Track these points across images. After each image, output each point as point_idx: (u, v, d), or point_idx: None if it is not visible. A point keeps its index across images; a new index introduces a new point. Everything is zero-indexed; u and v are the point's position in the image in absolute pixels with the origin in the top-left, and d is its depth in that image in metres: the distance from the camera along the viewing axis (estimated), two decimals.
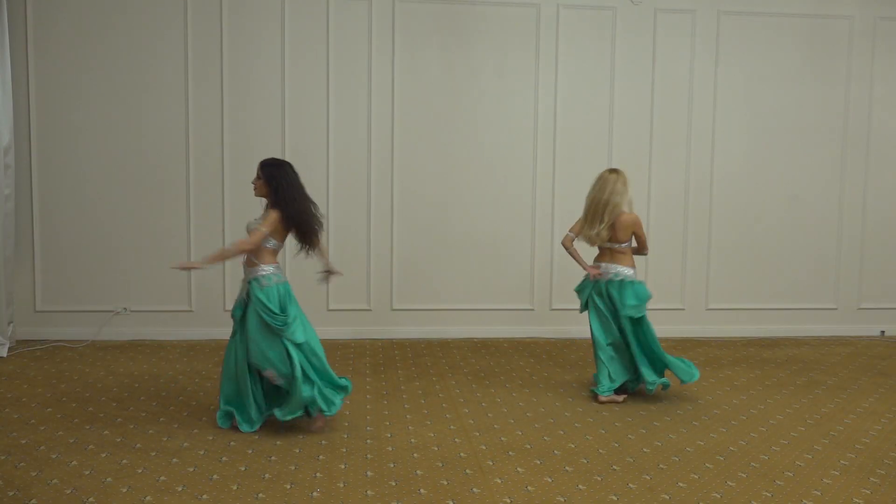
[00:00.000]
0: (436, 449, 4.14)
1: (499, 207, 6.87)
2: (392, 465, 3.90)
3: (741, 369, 5.95)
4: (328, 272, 4.55)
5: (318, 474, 3.76)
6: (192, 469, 3.79)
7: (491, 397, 5.11)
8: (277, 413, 4.26)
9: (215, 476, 3.71)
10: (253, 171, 4.61)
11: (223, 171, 6.55)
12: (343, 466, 3.87)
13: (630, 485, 3.70)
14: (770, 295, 7.21)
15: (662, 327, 7.10)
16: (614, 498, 3.56)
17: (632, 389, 5.16)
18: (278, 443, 4.17)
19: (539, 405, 4.94)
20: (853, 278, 7.30)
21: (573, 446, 4.21)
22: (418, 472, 3.82)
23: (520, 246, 6.91)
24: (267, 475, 3.73)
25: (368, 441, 4.24)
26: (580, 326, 6.66)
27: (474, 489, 3.62)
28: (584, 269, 5.08)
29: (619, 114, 6.91)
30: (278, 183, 4.25)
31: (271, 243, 4.28)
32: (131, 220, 6.51)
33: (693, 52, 6.96)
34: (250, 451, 4.04)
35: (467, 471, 3.84)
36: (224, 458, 3.93)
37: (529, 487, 3.65)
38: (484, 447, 4.17)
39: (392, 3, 6.61)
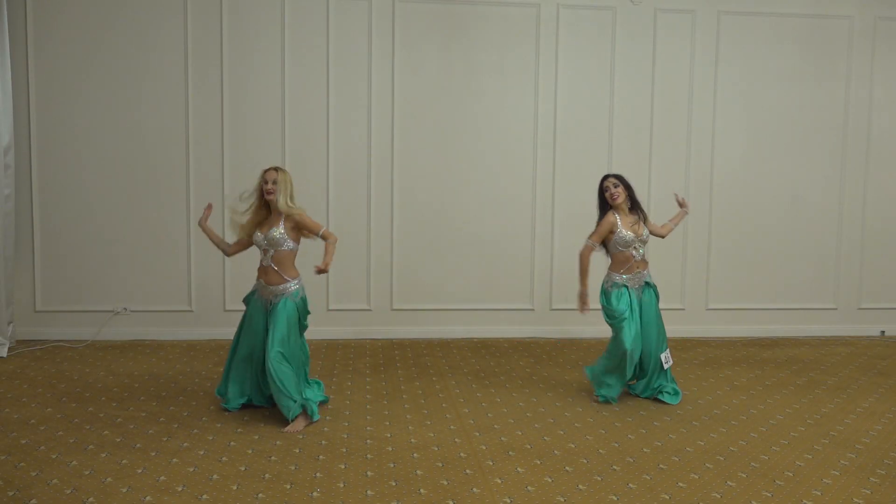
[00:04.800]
0: (436, 449, 4.14)
1: (499, 207, 6.87)
2: (392, 465, 3.90)
3: (741, 369, 5.95)
4: None
5: (318, 474, 3.76)
6: (192, 469, 3.79)
7: (491, 397, 5.11)
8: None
9: (215, 476, 3.71)
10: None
11: (223, 171, 6.55)
12: (343, 466, 3.87)
13: (630, 485, 3.70)
14: (770, 295, 7.21)
15: None
16: (614, 498, 3.56)
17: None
18: (278, 443, 4.17)
19: (539, 405, 4.94)
20: (853, 278, 7.30)
21: (573, 446, 4.21)
22: (418, 472, 3.82)
23: (520, 246, 6.91)
24: (267, 475, 3.73)
25: (368, 441, 4.24)
26: (580, 326, 6.68)
27: (474, 489, 3.62)
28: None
29: (619, 114, 6.91)
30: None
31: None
32: (131, 220, 6.51)
33: (693, 52, 6.96)
34: (250, 451, 4.04)
35: (467, 471, 3.84)
36: (224, 458, 3.93)
37: (529, 487, 3.65)
38: (484, 447, 4.17)
39: (392, 3, 6.61)
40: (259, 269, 4.56)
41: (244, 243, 4.68)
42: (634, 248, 4.87)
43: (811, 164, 7.18)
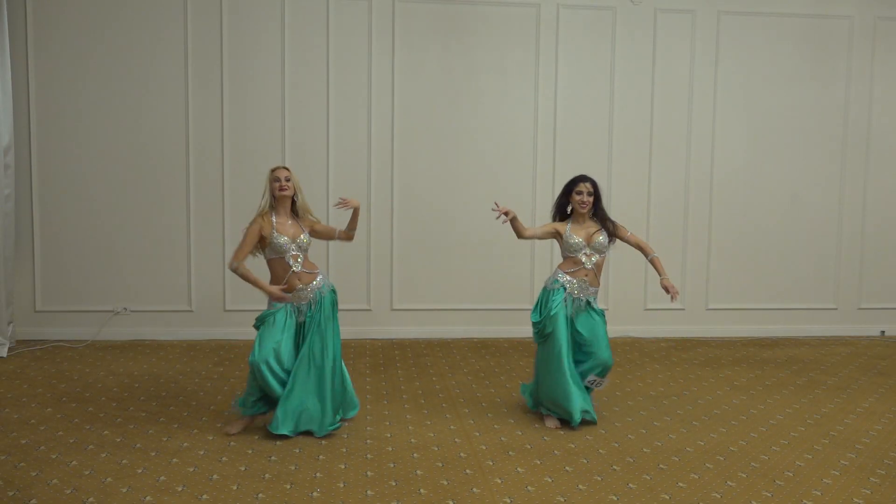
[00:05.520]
0: (436, 449, 4.13)
1: None
2: (392, 465, 3.90)
3: (741, 369, 5.95)
4: None
5: (318, 474, 3.76)
6: (192, 469, 3.79)
7: (491, 397, 5.11)
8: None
9: (215, 476, 3.71)
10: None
11: (223, 171, 6.55)
12: (343, 466, 3.87)
13: (630, 485, 3.70)
14: (770, 295, 7.21)
15: (662, 327, 7.13)
16: (614, 498, 3.56)
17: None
18: (278, 443, 4.17)
19: None
20: (853, 278, 7.30)
21: (573, 446, 4.20)
22: (418, 472, 3.82)
23: (520, 246, 6.90)
24: (267, 475, 3.73)
25: (368, 441, 4.23)
26: None
27: (474, 489, 3.62)
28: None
29: (619, 114, 6.91)
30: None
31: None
32: (131, 220, 6.51)
33: (693, 52, 6.96)
34: (250, 452, 4.04)
35: (467, 471, 3.84)
36: (224, 458, 3.93)
37: (529, 487, 3.65)
38: (484, 447, 4.17)
39: (392, 3, 6.61)
40: (291, 279, 4.22)
41: (248, 253, 4.25)
42: (585, 254, 4.54)
43: (811, 164, 7.18)
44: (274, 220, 4.26)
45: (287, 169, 4.31)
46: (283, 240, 4.21)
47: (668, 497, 3.57)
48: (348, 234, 4.43)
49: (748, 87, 7.04)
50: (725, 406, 5.00)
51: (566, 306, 4.55)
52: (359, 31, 6.61)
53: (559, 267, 4.65)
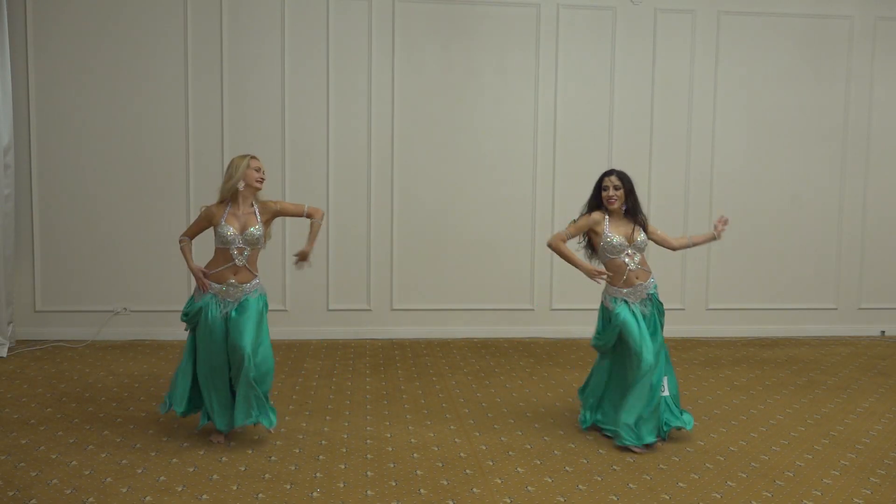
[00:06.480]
0: (436, 449, 4.13)
1: (499, 207, 6.87)
2: (392, 465, 3.90)
3: (741, 369, 5.95)
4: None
5: (318, 474, 3.76)
6: (192, 469, 3.79)
7: (491, 397, 5.11)
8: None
9: (215, 476, 3.71)
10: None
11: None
12: (343, 466, 3.87)
13: (630, 485, 3.70)
14: (770, 295, 7.21)
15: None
16: (614, 498, 3.56)
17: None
18: (278, 443, 4.17)
19: (539, 405, 4.94)
20: (853, 278, 7.30)
21: (573, 446, 4.20)
22: (418, 472, 3.82)
23: (520, 246, 6.91)
24: (267, 475, 3.73)
25: (368, 441, 4.24)
26: (580, 326, 6.68)
27: (474, 489, 3.62)
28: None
29: (619, 114, 6.91)
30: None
31: None
32: (131, 220, 6.51)
33: (693, 52, 6.96)
34: (250, 452, 4.04)
35: (467, 471, 3.84)
36: (224, 458, 3.93)
37: (529, 487, 3.65)
38: (484, 447, 4.17)
39: (392, 3, 6.61)
40: (226, 270, 4.13)
41: (195, 233, 4.34)
42: (627, 255, 4.22)
43: (811, 164, 7.18)
44: (228, 209, 4.17)
45: (258, 159, 4.22)
46: (230, 231, 4.10)
47: (668, 497, 3.57)
48: (313, 224, 4.26)
49: (748, 87, 7.05)
50: (725, 406, 5.00)
51: (635, 314, 4.23)
52: (359, 32, 6.61)
53: (609, 282, 4.29)
